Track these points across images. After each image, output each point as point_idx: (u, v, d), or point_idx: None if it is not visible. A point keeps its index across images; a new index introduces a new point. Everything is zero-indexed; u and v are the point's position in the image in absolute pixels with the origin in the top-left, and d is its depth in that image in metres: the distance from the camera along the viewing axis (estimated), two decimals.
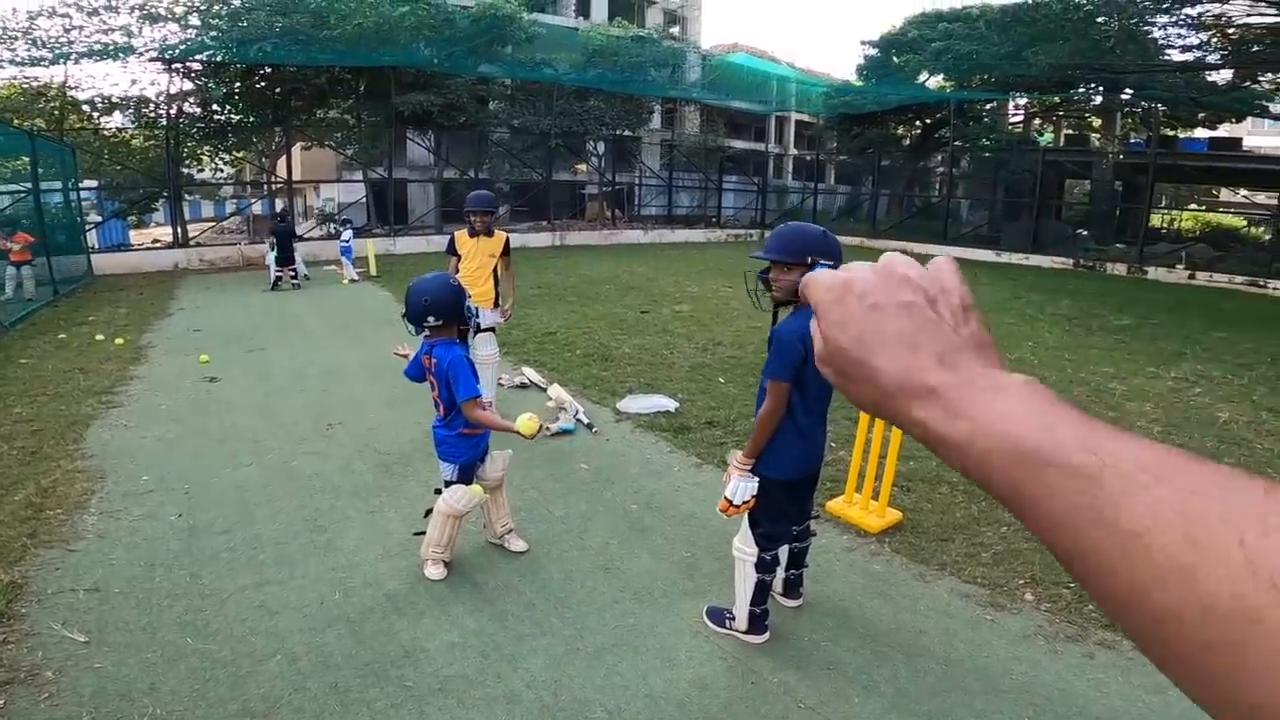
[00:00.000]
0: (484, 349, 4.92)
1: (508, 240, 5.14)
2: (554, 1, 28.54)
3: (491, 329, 5.13)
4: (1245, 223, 25.46)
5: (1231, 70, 17.66)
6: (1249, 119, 23.58)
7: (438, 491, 3.30)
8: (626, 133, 24.08)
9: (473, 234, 4.98)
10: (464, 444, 3.25)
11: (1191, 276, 16.07)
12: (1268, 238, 18.80)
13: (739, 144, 31.01)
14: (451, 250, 5.09)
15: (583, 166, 26.30)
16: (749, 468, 2.63)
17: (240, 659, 2.72)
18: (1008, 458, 0.35)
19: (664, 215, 25.57)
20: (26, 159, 10.97)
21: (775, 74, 27.30)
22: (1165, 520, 0.29)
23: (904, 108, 24.19)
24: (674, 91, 25.00)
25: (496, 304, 5.15)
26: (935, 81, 24.50)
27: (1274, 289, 14.78)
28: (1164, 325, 10.07)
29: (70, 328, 8.76)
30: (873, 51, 25.52)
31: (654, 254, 18.49)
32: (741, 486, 2.62)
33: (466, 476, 3.27)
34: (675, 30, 32.11)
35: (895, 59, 24.04)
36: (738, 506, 2.63)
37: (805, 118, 32.77)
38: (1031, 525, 0.35)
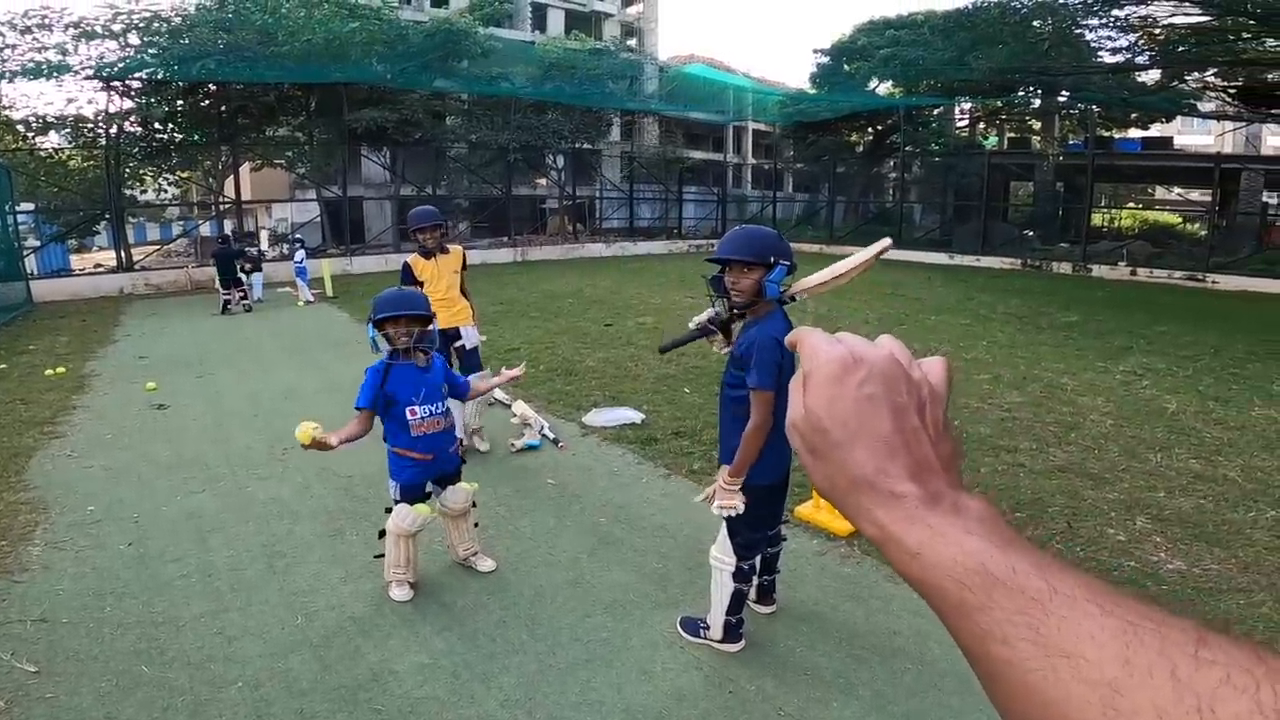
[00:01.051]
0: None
1: (464, 254, 4.90)
2: (509, 16, 28.53)
3: (475, 350, 4.90)
4: (1181, 219, 26.61)
5: (1159, 70, 18.47)
6: (1179, 119, 24.70)
7: (388, 510, 3.21)
8: (586, 145, 24.07)
9: (427, 254, 4.63)
10: (399, 462, 3.16)
11: (1133, 273, 16.70)
12: (1203, 233, 19.67)
13: (698, 154, 31.31)
14: (410, 280, 4.55)
15: (543, 181, 26.24)
16: (737, 486, 2.54)
17: (199, 686, 2.62)
18: (959, 570, 0.36)
19: (625, 228, 25.63)
20: None
21: (732, 84, 27.72)
22: (1103, 645, 0.31)
23: (856, 114, 24.79)
24: (632, 103, 25.13)
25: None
26: (885, 88, 25.16)
27: (1212, 283, 15.43)
28: (1109, 321, 10.42)
29: (9, 357, 8.39)
30: (825, 59, 26.07)
31: (616, 267, 18.51)
32: (729, 506, 2.55)
33: (409, 496, 3.16)
34: (632, 43, 32.38)
35: (846, 66, 24.60)
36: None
37: (762, 126, 33.26)
38: (963, 635, 0.36)
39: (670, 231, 26.12)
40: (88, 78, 15.00)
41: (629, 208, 25.79)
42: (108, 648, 2.86)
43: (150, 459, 5.02)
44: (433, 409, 3.13)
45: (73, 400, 6.56)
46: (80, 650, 2.84)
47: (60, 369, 7.68)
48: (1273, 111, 17.86)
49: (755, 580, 2.98)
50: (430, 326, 3.18)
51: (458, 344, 4.79)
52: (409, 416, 3.08)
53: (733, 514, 2.56)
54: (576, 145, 23.38)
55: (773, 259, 2.43)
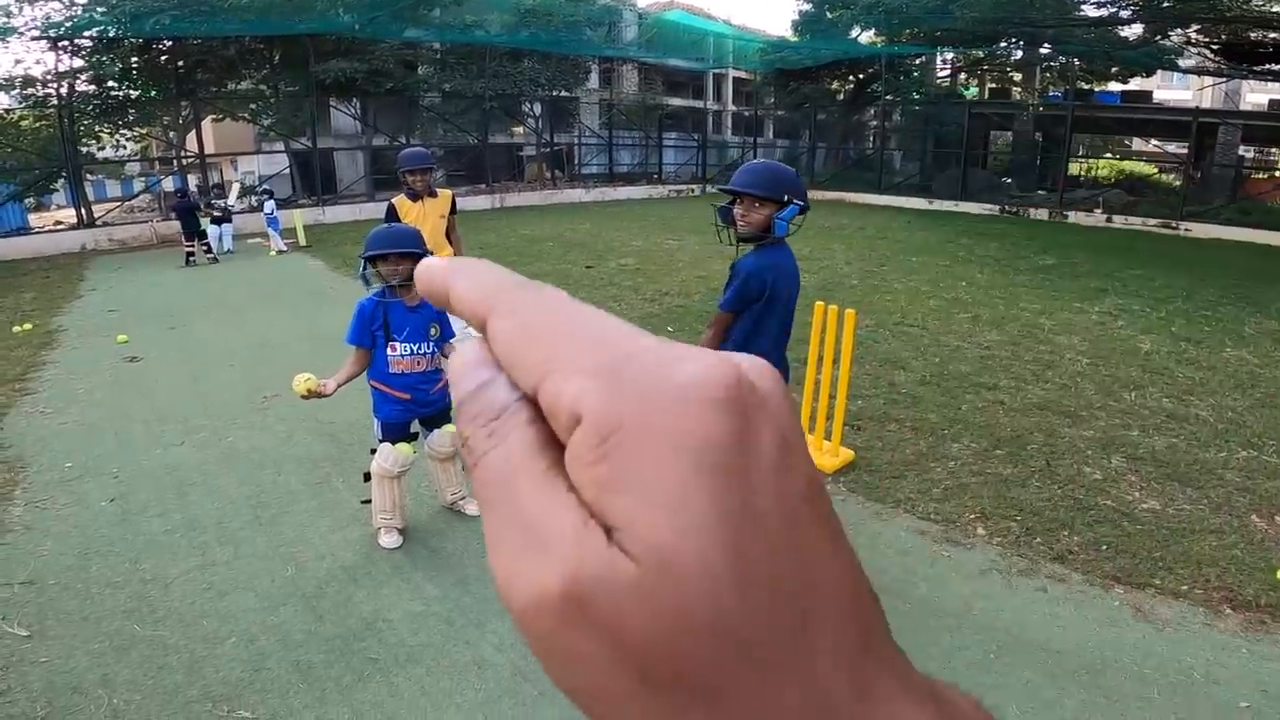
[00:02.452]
0: (459, 320, 4.58)
1: (454, 198, 4.75)
2: None
3: None
4: (1156, 170, 26.78)
5: (1142, 26, 18.34)
6: (1159, 74, 24.64)
7: (373, 452, 3.19)
8: (564, 93, 23.51)
9: (414, 197, 4.50)
10: (378, 397, 3.14)
11: (1109, 220, 16.83)
12: (1177, 184, 19.81)
13: (677, 102, 30.75)
14: (394, 220, 4.40)
15: (520, 128, 25.69)
16: None
17: (194, 643, 2.61)
18: None
19: (605, 174, 25.28)
20: None
21: (712, 31, 27.05)
22: None
23: (838, 63, 24.40)
24: (610, 51, 24.49)
25: None
26: (867, 37, 24.72)
27: (1185, 230, 15.62)
28: (1085, 265, 10.52)
29: None
30: (807, 7, 25.45)
31: (596, 212, 18.29)
32: None
33: (390, 435, 3.15)
34: None
35: (829, 14, 24.06)
36: None
37: (743, 74, 32.64)
38: None
39: (650, 177, 25.82)
40: (35, 38, 14.27)
41: (608, 154, 25.41)
42: (98, 608, 2.83)
43: (126, 413, 4.92)
44: (414, 348, 3.08)
45: (42, 356, 6.38)
46: (71, 611, 2.82)
47: (27, 325, 7.45)
48: (1254, 68, 17.85)
49: None
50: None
51: None
52: (389, 352, 3.06)
53: None
54: (554, 93, 22.81)
55: (786, 197, 2.40)
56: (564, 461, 0.18)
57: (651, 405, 0.18)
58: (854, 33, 24.25)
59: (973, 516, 3.42)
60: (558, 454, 0.19)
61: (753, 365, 0.20)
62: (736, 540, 0.17)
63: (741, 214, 2.48)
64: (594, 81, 26.48)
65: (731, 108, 37.18)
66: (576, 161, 26.12)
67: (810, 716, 0.18)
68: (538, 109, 23.80)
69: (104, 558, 3.17)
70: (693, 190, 24.78)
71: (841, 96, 27.21)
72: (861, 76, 25.65)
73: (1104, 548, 3.16)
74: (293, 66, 17.73)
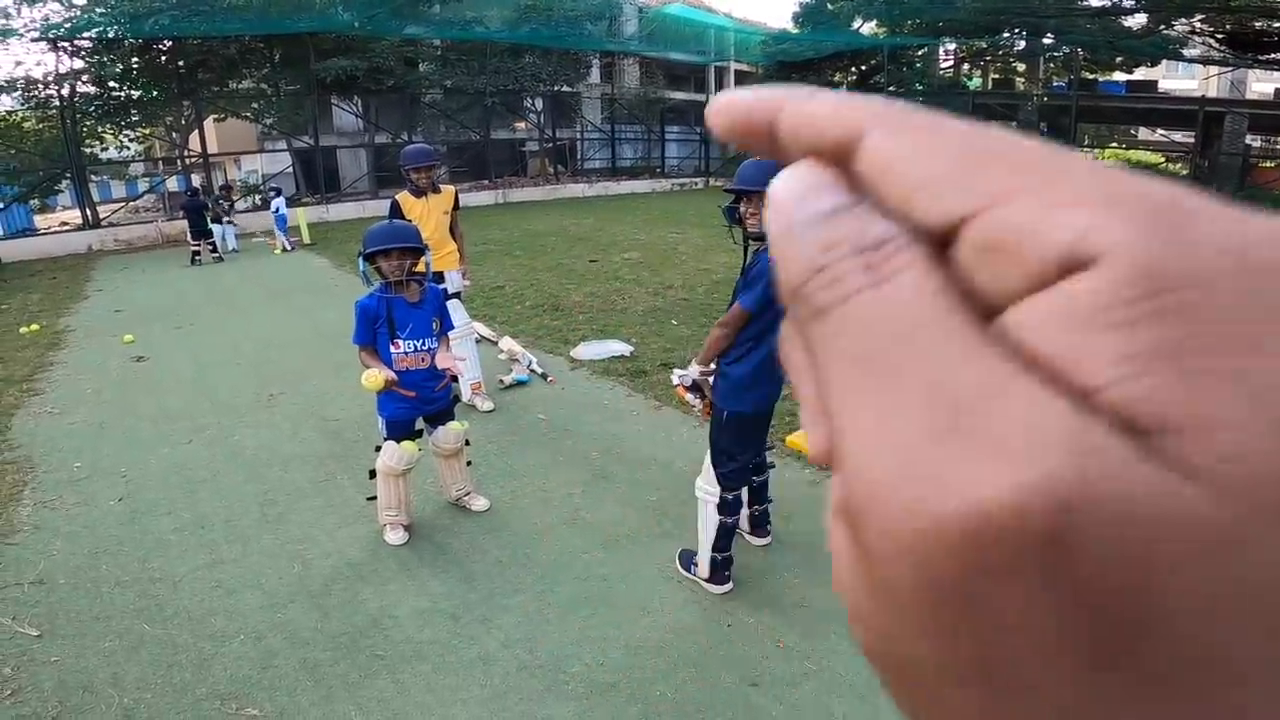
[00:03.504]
0: (459, 316, 4.42)
1: (457, 194, 4.73)
2: None
3: (458, 294, 4.71)
4: (1163, 159, 26.64)
5: (1146, 15, 18.20)
6: (1164, 63, 24.51)
7: (378, 450, 3.19)
8: (565, 88, 23.51)
9: (418, 193, 4.48)
10: (384, 397, 3.11)
11: None
12: (1184, 173, 19.67)
13: (679, 95, 30.67)
14: (397, 217, 4.42)
15: (522, 124, 25.71)
16: (705, 373, 2.68)
17: (202, 641, 2.62)
18: None
19: (608, 168, 25.34)
20: None
21: (713, 24, 26.98)
22: None
23: (840, 54, 24.37)
24: (611, 45, 24.45)
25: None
26: (869, 28, 24.62)
27: None
28: None
29: None
30: None
31: (599, 206, 18.31)
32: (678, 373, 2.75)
33: (395, 432, 3.14)
34: None
35: (830, 6, 23.99)
36: (686, 389, 2.72)
37: (744, 67, 32.58)
38: None
39: (653, 171, 25.86)
40: (35, 40, 14.38)
41: (611, 148, 25.44)
42: (108, 607, 2.84)
43: (134, 412, 4.95)
44: (417, 344, 3.07)
45: (50, 356, 6.43)
46: (81, 611, 2.83)
47: (34, 326, 7.50)
48: (1259, 57, 17.69)
49: (746, 511, 3.01)
50: (425, 257, 3.15)
51: (441, 287, 4.68)
52: (392, 349, 3.05)
53: (694, 405, 2.75)
54: (555, 88, 22.81)
55: None
56: (997, 322, 0.13)
57: (1246, 266, 0.11)
58: (856, 24, 24.17)
59: None
60: (974, 314, 0.13)
61: None
62: None
63: (750, 211, 2.46)
64: (595, 76, 26.48)
65: None
66: (579, 156, 26.14)
67: None
68: (539, 104, 23.81)
69: (113, 556, 3.18)
70: (695, 184, 24.83)
71: (844, 88, 27.10)
72: (864, 68, 25.58)
73: None
74: (293, 65, 17.82)
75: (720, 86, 36.20)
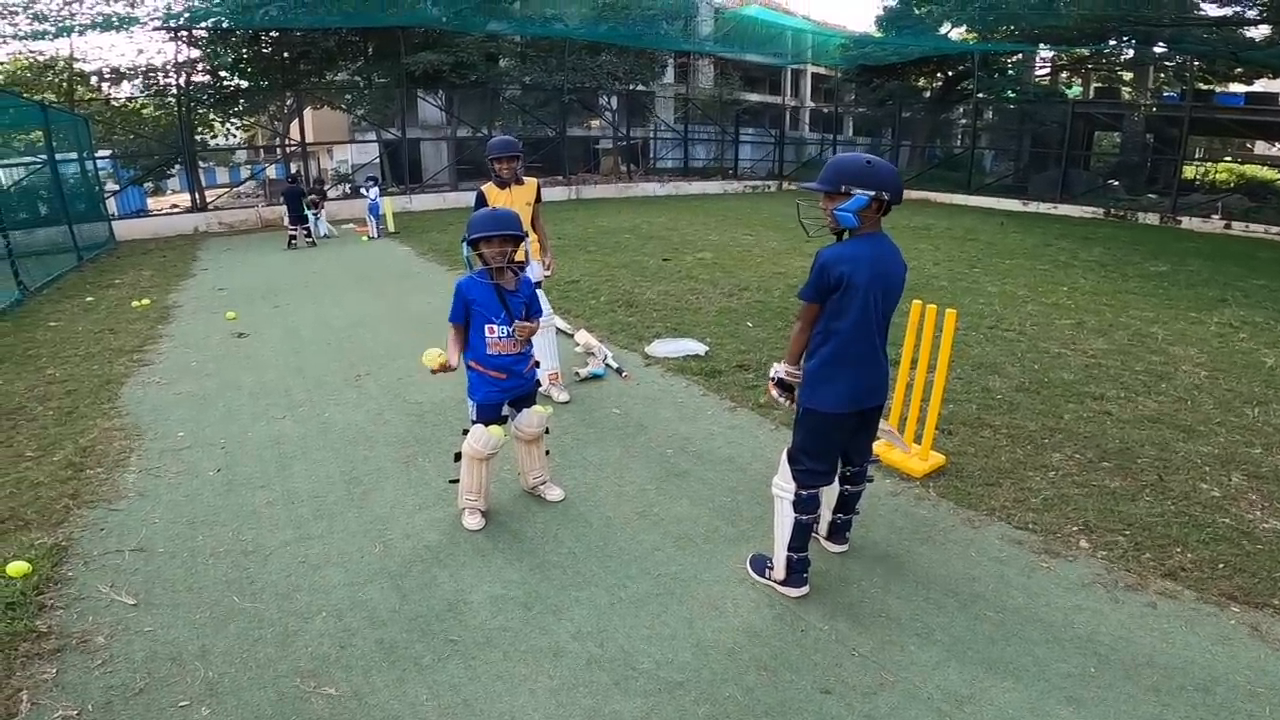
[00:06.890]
0: (545, 305, 4.43)
1: (539, 186, 4.78)
2: None
3: (539, 285, 4.69)
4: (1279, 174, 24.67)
5: (1270, 26, 16.84)
6: None
7: (465, 432, 3.24)
8: (640, 87, 23.62)
9: (502, 184, 4.58)
10: (475, 379, 3.19)
11: (1227, 226, 15.58)
12: None
13: (754, 97, 30.40)
14: (482, 207, 4.60)
15: (596, 121, 25.95)
16: (793, 374, 2.69)
17: (287, 617, 2.66)
18: None
19: (680, 168, 25.31)
20: (40, 131, 11.02)
21: (790, 26, 26.52)
22: None
23: (925, 59, 23.49)
24: (687, 45, 24.40)
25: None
26: (958, 33, 23.66)
27: None
28: (1201, 272, 9.76)
29: (97, 290, 8.82)
30: (892, 2, 24.60)
31: (671, 205, 18.29)
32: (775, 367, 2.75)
33: (483, 416, 3.20)
34: None
35: (916, 10, 23.16)
36: (779, 383, 2.71)
37: (822, 70, 31.94)
38: None
39: (726, 172, 25.62)
40: (156, 28, 15.43)
41: (683, 148, 25.37)
42: (201, 578, 2.89)
43: (234, 385, 5.22)
44: (510, 330, 3.13)
45: (158, 330, 6.85)
46: (176, 580, 2.87)
47: (145, 301, 8.03)
48: None
49: (827, 516, 2.94)
50: (525, 245, 3.22)
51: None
52: (487, 334, 3.11)
53: (780, 402, 2.76)
54: (630, 87, 22.95)
55: (844, 187, 2.40)
56: None
57: None
58: (944, 28, 23.26)
59: (1075, 529, 3.22)
60: None
61: None
62: None
63: (822, 206, 2.53)
64: (670, 76, 26.50)
65: (810, 104, 36.53)
66: (651, 155, 26.19)
67: None
68: (614, 102, 24.00)
69: (209, 527, 3.29)
70: (768, 186, 24.51)
71: (929, 94, 26.19)
72: (951, 73, 24.63)
73: (1221, 566, 2.92)
74: (385, 58, 18.56)
75: (797, 89, 35.63)
